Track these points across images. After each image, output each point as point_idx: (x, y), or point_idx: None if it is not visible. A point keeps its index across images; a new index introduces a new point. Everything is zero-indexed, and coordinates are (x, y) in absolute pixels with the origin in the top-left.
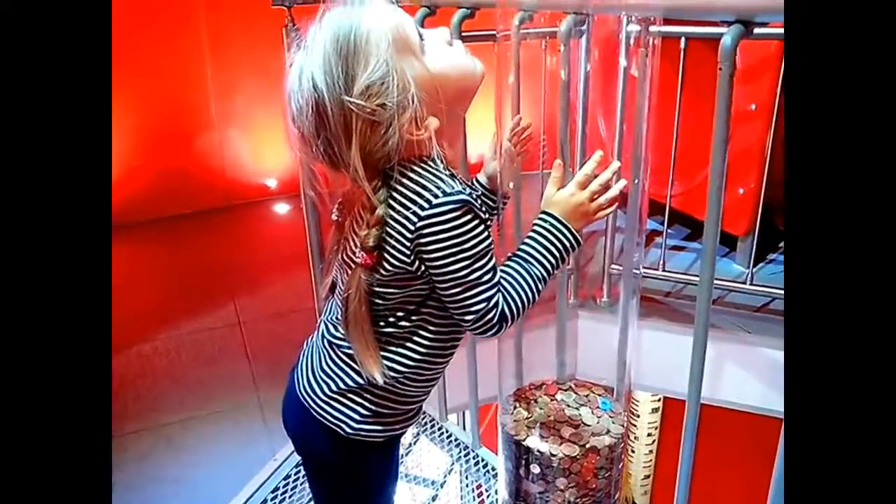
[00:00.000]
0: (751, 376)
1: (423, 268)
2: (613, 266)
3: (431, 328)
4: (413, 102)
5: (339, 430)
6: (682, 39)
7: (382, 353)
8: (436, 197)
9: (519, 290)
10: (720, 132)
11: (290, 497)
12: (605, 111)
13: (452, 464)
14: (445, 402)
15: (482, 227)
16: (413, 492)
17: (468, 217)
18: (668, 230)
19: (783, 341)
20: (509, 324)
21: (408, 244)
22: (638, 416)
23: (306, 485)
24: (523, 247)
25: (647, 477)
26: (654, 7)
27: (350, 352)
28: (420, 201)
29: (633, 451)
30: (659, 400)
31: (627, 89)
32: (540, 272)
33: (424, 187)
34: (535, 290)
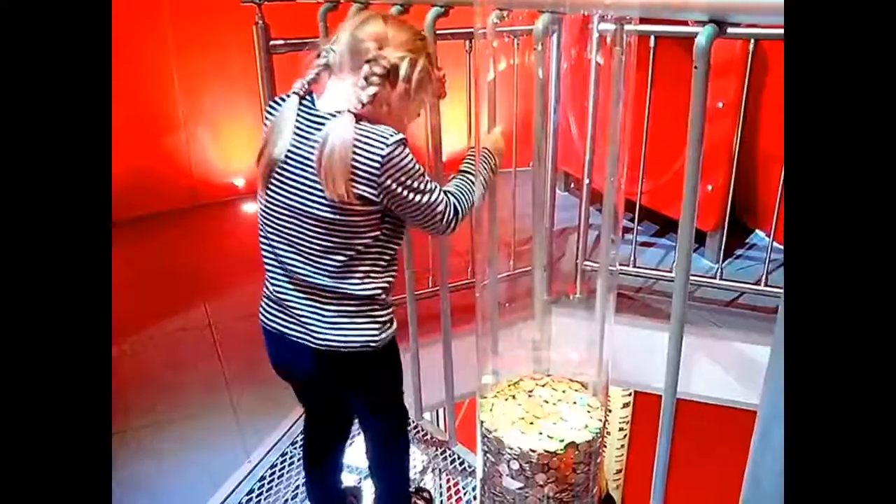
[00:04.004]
0: (721, 370)
1: (385, 199)
2: (586, 262)
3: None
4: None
5: (367, 349)
6: (652, 38)
7: (365, 276)
8: (391, 135)
9: (467, 195)
10: (695, 130)
11: (265, 499)
12: (575, 109)
13: (429, 461)
14: (421, 400)
15: None
16: None
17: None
18: (637, 226)
19: (756, 335)
20: (461, 217)
21: (378, 167)
22: (609, 411)
23: (282, 487)
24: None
25: (619, 472)
26: (630, 6)
27: (341, 287)
28: (381, 136)
29: (604, 446)
30: (630, 395)
31: (599, 87)
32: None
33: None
34: (476, 193)
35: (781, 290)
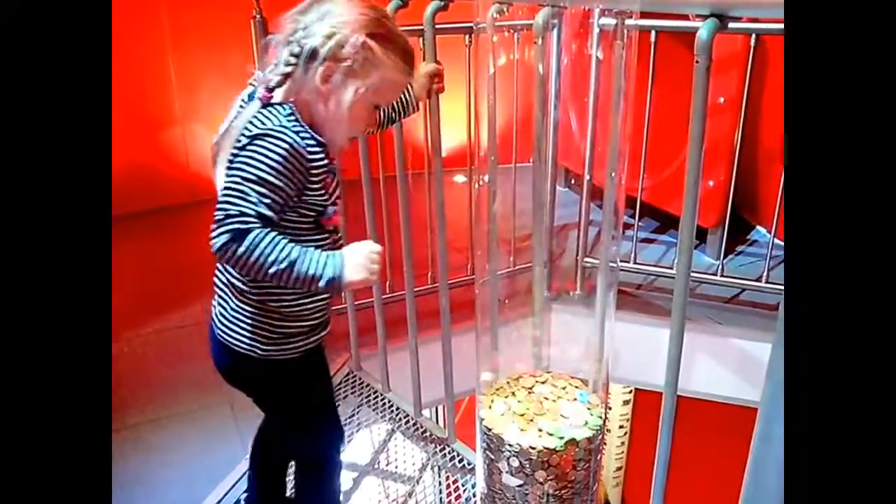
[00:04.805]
0: (722, 367)
1: None
2: (587, 259)
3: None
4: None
5: (252, 353)
6: (653, 33)
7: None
8: (282, 128)
9: (273, 247)
10: (697, 126)
11: None
12: (575, 104)
13: (428, 459)
14: (420, 398)
15: (291, 176)
16: (388, 488)
17: (284, 154)
18: (638, 223)
19: (757, 331)
20: (235, 251)
21: (240, 145)
22: (609, 408)
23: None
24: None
25: (619, 469)
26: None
27: (241, 286)
28: (260, 124)
29: (604, 444)
30: (630, 392)
31: (600, 82)
32: (295, 263)
33: (275, 118)
34: (279, 263)
35: (782, 287)
